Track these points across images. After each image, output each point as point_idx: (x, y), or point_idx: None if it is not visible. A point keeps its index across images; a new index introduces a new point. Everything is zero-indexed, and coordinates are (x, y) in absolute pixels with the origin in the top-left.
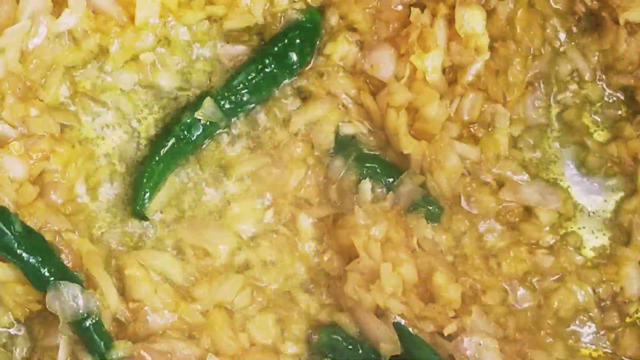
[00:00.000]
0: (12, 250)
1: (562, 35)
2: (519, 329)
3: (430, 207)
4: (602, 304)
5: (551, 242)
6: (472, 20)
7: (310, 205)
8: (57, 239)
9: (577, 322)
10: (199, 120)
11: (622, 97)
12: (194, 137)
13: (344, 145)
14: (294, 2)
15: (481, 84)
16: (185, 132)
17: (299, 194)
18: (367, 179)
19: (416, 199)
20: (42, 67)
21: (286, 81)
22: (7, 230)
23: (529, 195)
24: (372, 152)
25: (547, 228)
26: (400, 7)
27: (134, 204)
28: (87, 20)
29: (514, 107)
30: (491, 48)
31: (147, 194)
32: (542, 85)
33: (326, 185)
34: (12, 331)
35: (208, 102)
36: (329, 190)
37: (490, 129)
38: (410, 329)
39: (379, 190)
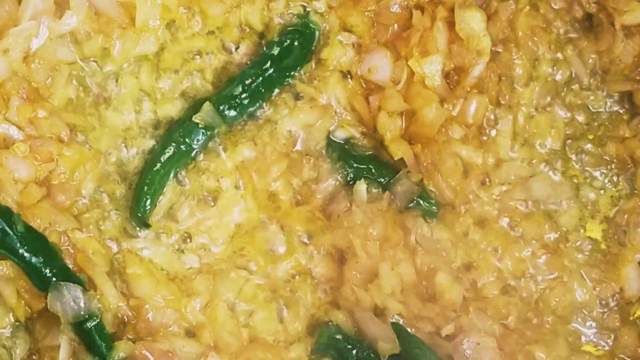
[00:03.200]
0: (14, 250)
1: (561, 39)
2: (520, 319)
3: (428, 205)
4: (603, 304)
5: (551, 241)
6: (472, 22)
7: (299, 204)
8: (62, 239)
9: (578, 320)
10: (199, 126)
11: (620, 99)
12: (194, 143)
13: (336, 148)
14: (291, 7)
15: (485, 87)
16: (186, 139)
17: (287, 192)
18: (362, 180)
19: (413, 197)
20: (46, 68)
21: (284, 85)
22: (9, 230)
23: (538, 191)
24: (366, 153)
25: (547, 226)
26: (398, 9)
27: (135, 211)
28: (89, 22)
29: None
30: (493, 52)
31: (149, 201)
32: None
33: (318, 185)
34: (13, 331)
35: (207, 106)
36: (321, 190)
37: (493, 132)
38: (408, 329)
39: (375, 190)
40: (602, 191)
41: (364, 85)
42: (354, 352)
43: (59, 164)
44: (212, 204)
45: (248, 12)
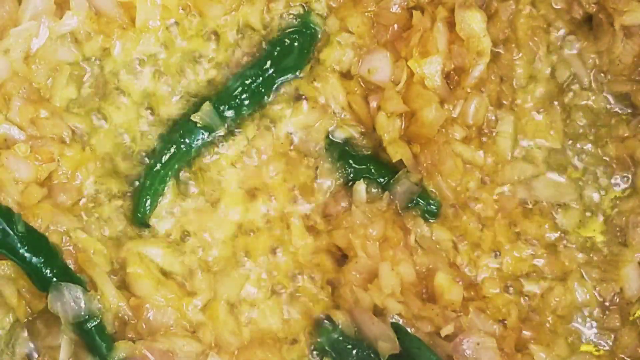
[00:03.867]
0: (15, 251)
1: (561, 39)
2: (520, 319)
3: (428, 205)
4: (603, 304)
5: (552, 241)
6: (472, 22)
7: (299, 205)
8: (63, 239)
9: (578, 320)
10: (198, 126)
11: (620, 99)
12: (194, 143)
13: (336, 148)
14: (291, 7)
15: (486, 87)
16: (186, 139)
17: (286, 192)
18: (362, 180)
19: (413, 197)
20: (47, 69)
21: (284, 85)
22: (9, 231)
23: (541, 191)
24: (366, 153)
25: (547, 226)
26: (398, 10)
27: (135, 212)
28: (89, 22)
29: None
30: (494, 53)
31: (149, 202)
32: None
33: (317, 185)
34: (13, 331)
35: (206, 106)
36: (321, 190)
37: (494, 133)
38: (408, 329)
39: (374, 190)
40: (602, 191)
41: (363, 86)
42: (354, 352)
43: (61, 164)
44: (213, 203)
45: (248, 12)
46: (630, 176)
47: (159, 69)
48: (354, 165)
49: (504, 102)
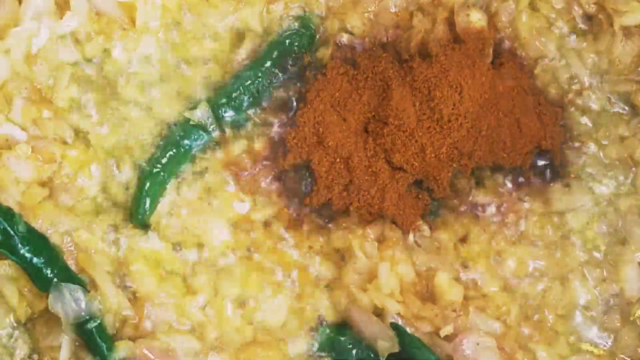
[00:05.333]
0: (16, 251)
1: (561, 39)
2: (521, 318)
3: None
4: (603, 303)
5: (552, 240)
6: (472, 22)
7: (296, 204)
8: (64, 240)
9: (578, 319)
10: (192, 124)
11: (620, 99)
12: (194, 144)
13: None
14: (290, 8)
15: None
16: (185, 140)
17: (284, 193)
18: None
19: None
20: (48, 69)
21: (283, 86)
22: (11, 231)
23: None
24: None
25: (549, 225)
26: (398, 10)
27: (135, 213)
28: (89, 23)
29: None
30: None
31: (148, 203)
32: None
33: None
34: (13, 331)
35: (203, 105)
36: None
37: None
38: (407, 329)
39: None
40: (602, 191)
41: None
42: (354, 352)
43: (63, 164)
44: (212, 203)
45: (247, 14)
46: (630, 176)
47: (159, 69)
48: None
49: None
